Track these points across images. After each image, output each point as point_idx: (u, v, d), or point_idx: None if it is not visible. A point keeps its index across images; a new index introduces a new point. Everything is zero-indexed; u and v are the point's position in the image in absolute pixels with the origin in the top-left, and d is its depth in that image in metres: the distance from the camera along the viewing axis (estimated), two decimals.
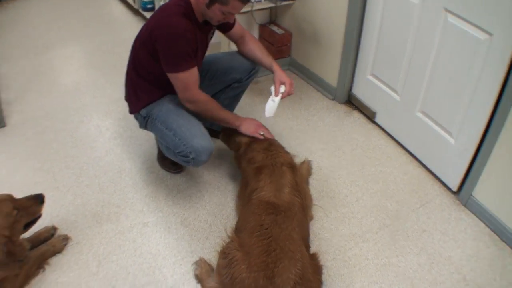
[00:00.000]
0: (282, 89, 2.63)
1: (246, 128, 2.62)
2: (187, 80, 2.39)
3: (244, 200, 2.45)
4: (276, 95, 2.63)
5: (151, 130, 2.68)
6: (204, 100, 2.49)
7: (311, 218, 2.60)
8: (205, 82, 2.75)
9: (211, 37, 2.69)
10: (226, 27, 2.69)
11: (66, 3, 5.63)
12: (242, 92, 3.06)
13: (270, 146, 2.57)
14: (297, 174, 2.50)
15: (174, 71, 2.36)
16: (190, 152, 2.42)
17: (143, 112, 2.61)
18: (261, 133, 2.62)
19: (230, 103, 3.04)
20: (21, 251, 2.18)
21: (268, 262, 1.96)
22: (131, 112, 2.72)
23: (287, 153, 2.60)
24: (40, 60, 4.28)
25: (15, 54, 4.37)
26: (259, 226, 2.12)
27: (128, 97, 2.71)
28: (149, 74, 2.54)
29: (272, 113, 2.64)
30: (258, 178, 2.41)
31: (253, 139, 2.62)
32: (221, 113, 2.58)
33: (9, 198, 2.13)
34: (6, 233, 2.04)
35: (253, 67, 2.86)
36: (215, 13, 2.36)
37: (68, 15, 5.32)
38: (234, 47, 2.96)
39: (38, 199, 2.23)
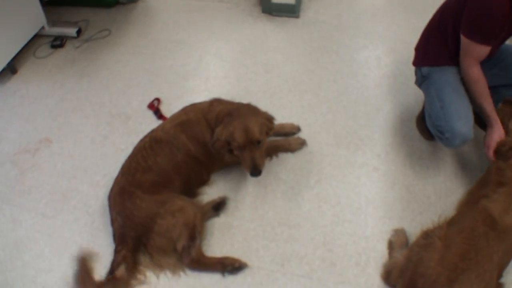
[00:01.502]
0: None
1: (498, 135, 2.36)
2: (471, 49, 2.29)
3: (472, 198, 2.35)
4: None
5: (423, 91, 2.64)
6: (472, 76, 2.35)
7: None
8: (493, 70, 2.57)
9: None
10: None
11: None
12: None
13: None
14: None
15: (468, 36, 2.26)
16: (447, 131, 2.36)
17: (425, 70, 2.57)
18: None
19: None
20: None
21: (459, 266, 1.93)
22: (414, 63, 2.69)
23: None
24: None
25: None
26: (471, 231, 2.06)
27: (418, 48, 2.67)
28: (449, 36, 2.43)
29: None
30: (496, 190, 2.27)
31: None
32: (482, 99, 2.37)
33: None
34: None
35: None
36: None
37: None
38: None
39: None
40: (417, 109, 2.96)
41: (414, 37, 2.70)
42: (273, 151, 2.60)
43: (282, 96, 2.94)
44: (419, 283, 1.97)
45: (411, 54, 2.71)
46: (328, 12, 3.71)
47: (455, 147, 2.43)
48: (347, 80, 3.13)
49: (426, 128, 2.82)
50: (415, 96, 3.02)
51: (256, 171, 2.26)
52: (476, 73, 2.34)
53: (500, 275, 2.16)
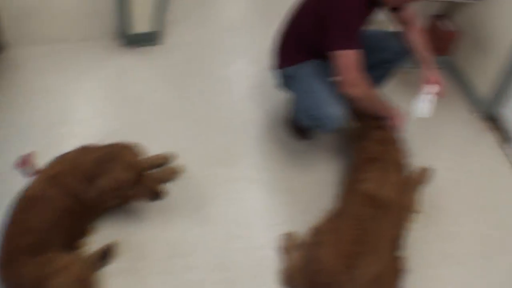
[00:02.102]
0: (435, 89, 2.55)
1: (399, 121, 2.57)
2: (354, 58, 2.29)
3: (348, 186, 2.47)
4: (427, 93, 2.56)
5: (289, 89, 2.72)
6: (367, 84, 2.38)
7: (410, 219, 2.54)
8: None
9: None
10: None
11: None
12: (388, 75, 2.94)
13: (386, 139, 2.54)
14: (404, 173, 2.48)
15: (345, 47, 2.28)
16: (322, 117, 2.44)
17: (286, 71, 2.65)
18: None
19: (375, 86, 2.96)
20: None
21: (354, 252, 2.01)
22: (274, 66, 2.74)
23: (401, 151, 2.56)
24: None
25: None
26: (356, 216, 2.15)
27: (277, 51, 2.72)
28: (304, 37, 2.53)
29: (427, 115, 2.57)
30: (366, 169, 2.41)
31: (374, 125, 2.58)
32: (380, 103, 2.51)
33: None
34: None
35: (403, 51, 2.74)
36: None
37: None
38: None
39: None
40: (285, 112, 3.06)
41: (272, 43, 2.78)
42: (152, 184, 2.58)
43: (154, 126, 2.92)
44: (320, 279, 2.03)
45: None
46: (191, 34, 3.74)
47: (334, 130, 2.51)
48: (216, 98, 3.18)
49: (297, 128, 2.92)
50: (281, 100, 3.10)
51: (157, 195, 2.28)
52: (367, 83, 2.40)
53: (398, 247, 2.26)
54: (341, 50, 2.29)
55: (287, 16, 2.65)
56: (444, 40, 3.72)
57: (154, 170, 2.60)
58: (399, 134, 2.60)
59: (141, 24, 3.45)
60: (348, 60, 2.29)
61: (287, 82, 2.68)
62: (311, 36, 2.48)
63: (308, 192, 2.67)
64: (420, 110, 2.56)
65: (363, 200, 2.24)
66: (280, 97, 3.15)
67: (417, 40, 2.67)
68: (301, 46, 2.59)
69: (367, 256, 2.01)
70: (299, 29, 2.56)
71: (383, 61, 2.80)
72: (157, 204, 2.45)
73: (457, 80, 3.74)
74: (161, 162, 2.68)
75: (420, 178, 2.78)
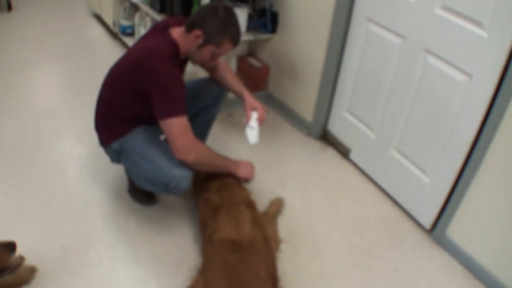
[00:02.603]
0: (255, 115, 2.62)
1: (244, 172, 2.60)
2: (184, 124, 2.29)
3: (206, 240, 2.42)
4: (248, 121, 2.62)
5: (125, 164, 2.64)
6: (203, 147, 2.43)
7: (278, 250, 2.58)
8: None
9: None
10: None
11: (45, 22, 5.58)
12: (212, 120, 3.03)
13: (224, 185, 2.56)
14: (255, 210, 2.51)
15: (172, 115, 2.26)
16: (171, 181, 2.39)
17: (115, 145, 2.56)
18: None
19: (201, 133, 3.01)
20: None
21: None
22: (101, 144, 2.66)
23: (242, 189, 2.60)
24: (15, 79, 4.20)
25: None
26: (224, 266, 2.11)
27: (98, 128, 2.65)
28: (123, 110, 2.49)
29: (256, 140, 2.60)
30: (216, 219, 2.40)
31: (206, 178, 2.62)
32: (219, 160, 2.52)
33: None
34: None
35: (220, 92, 2.84)
36: (204, 55, 2.39)
37: (47, 34, 5.26)
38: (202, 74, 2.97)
39: (8, 248, 2.10)
40: (126, 182, 2.96)
41: None
42: None
43: None
44: None
45: None
46: (3, 128, 3.47)
47: (185, 188, 2.46)
48: (48, 187, 2.96)
49: (142, 195, 2.84)
50: (121, 172, 3.00)
51: None
52: (202, 145, 2.43)
53: (276, 280, 2.25)
54: (168, 119, 2.27)
55: (101, 91, 2.61)
56: (258, 76, 3.93)
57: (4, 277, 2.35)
58: (250, 182, 2.64)
59: None
60: (176, 127, 2.28)
61: (120, 156, 2.60)
62: (132, 108, 2.46)
63: (173, 254, 2.57)
64: (250, 139, 2.61)
65: (225, 248, 2.20)
66: (116, 170, 3.07)
67: (226, 76, 2.78)
68: (123, 119, 2.53)
69: None
70: (116, 105, 2.51)
71: (204, 107, 2.87)
72: None
73: (280, 109, 3.95)
74: (13, 266, 2.42)
75: (275, 208, 2.84)
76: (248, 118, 2.63)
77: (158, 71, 2.26)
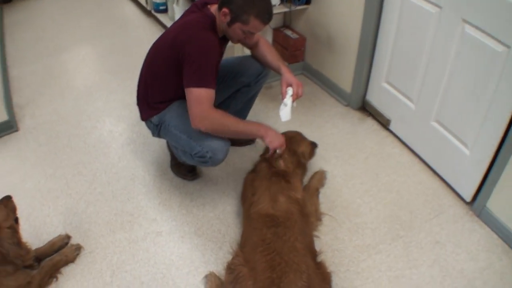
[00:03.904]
0: (290, 91, 2.58)
1: (271, 141, 2.53)
2: (203, 96, 2.30)
3: (245, 214, 2.45)
4: (283, 98, 2.59)
5: (165, 137, 2.68)
6: (218, 115, 2.37)
7: (318, 223, 2.60)
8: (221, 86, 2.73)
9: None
10: None
11: (78, 4, 5.65)
12: (254, 97, 3.04)
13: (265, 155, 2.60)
14: (292, 182, 2.50)
15: (196, 85, 2.28)
16: (207, 152, 2.42)
17: (155, 119, 2.60)
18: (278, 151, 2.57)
19: (242, 109, 3.03)
20: (26, 253, 2.20)
21: (274, 277, 1.95)
22: (142, 118, 2.71)
23: (281, 161, 2.58)
24: (52, 62, 4.30)
25: (27, 56, 4.39)
26: (261, 241, 2.12)
27: (140, 104, 2.70)
28: (163, 85, 2.53)
29: (288, 117, 2.56)
30: (253, 192, 2.43)
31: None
32: (241, 125, 2.48)
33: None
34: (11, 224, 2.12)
35: (262, 71, 2.83)
36: (236, 32, 2.38)
37: (80, 16, 5.34)
38: (247, 51, 2.94)
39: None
40: (168, 158, 3.00)
41: (134, 96, 2.71)
42: (54, 270, 2.37)
43: (37, 213, 2.70)
44: None
45: (138, 112, 2.72)
46: (44, 112, 3.56)
47: (222, 160, 2.48)
48: (91, 166, 3.03)
49: (184, 170, 2.89)
50: (161, 147, 3.05)
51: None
52: (218, 112, 2.38)
53: (314, 253, 2.27)
54: (188, 88, 2.30)
55: (143, 68, 2.64)
56: (295, 48, 3.90)
57: (53, 255, 2.42)
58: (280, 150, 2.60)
59: None
60: (198, 96, 2.29)
61: (160, 129, 2.63)
62: (171, 84, 2.48)
63: (216, 229, 2.61)
64: (282, 116, 2.57)
65: (262, 222, 2.22)
66: (157, 146, 3.11)
67: (266, 53, 2.75)
68: (163, 94, 2.57)
69: (289, 275, 1.96)
70: (157, 81, 2.54)
71: (246, 85, 2.87)
72: None
73: (318, 80, 3.93)
74: (59, 245, 2.49)
75: (317, 182, 2.83)
76: (283, 95, 2.60)
77: (192, 41, 2.29)
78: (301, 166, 2.69)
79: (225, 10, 2.30)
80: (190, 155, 2.52)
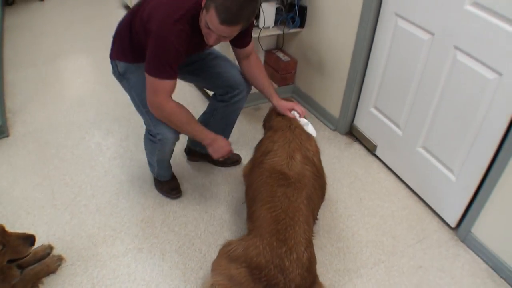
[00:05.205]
0: (296, 113, 2.60)
1: (214, 151, 2.54)
2: (159, 87, 2.27)
3: (256, 161, 2.45)
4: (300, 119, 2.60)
5: (124, 89, 2.66)
6: (171, 110, 2.34)
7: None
8: (192, 66, 2.70)
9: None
10: (238, 43, 2.57)
11: (78, 10, 5.68)
12: (233, 114, 2.96)
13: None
14: (311, 139, 2.53)
15: (152, 74, 2.25)
16: (157, 134, 2.47)
17: (121, 66, 2.56)
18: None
19: (225, 128, 2.98)
20: (9, 277, 2.20)
21: (279, 229, 2.03)
22: (110, 55, 2.62)
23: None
24: (47, 69, 4.31)
25: (23, 61, 4.41)
26: (270, 198, 2.17)
27: (115, 40, 2.61)
28: (137, 40, 2.43)
29: (315, 131, 2.61)
30: (273, 139, 2.44)
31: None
32: (191, 127, 2.46)
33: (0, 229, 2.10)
34: None
35: (247, 88, 2.81)
36: (201, 21, 2.23)
37: (80, 22, 5.37)
38: None
39: (28, 241, 2.14)
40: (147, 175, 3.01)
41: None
42: (35, 279, 2.37)
43: (22, 221, 2.69)
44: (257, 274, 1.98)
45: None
46: (36, 119, 3.57)
47: (170, 147, 2.54)
48: (77, 178, 3.04)
49: (167, 188, 2.95)
50: (146, 165, 3.01)
51: None
52: (171, 106, 2.34)
53: (315, 218, 2.40)
54: (151, 77, 2.26)
55: (141, 5, 2.45)
56: (285, 71, 3.93)
57: (35, 265, 2.42)
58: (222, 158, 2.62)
59: None
60: (154, 86, 2.28)
61: (122, 81, 2.62)
62: (141, 42, 2.38)
63: (197, 247, 2.63)
64: (312, 131, 2.59)
65: (274, 179, 2.25)
66: (143, 162, 3.09)
67: (258, 76, 2.71)
68: (135, 47, 2.47)
69: (293, 228, 2.05)
70: (133, 33, 2.45)
71: (222, 92, 2.82)
72: None
73: (307, 103, 3.96)
74: (41, 255, 2.49)
75: None
76: (297, 117, 2.61)
77: (163, 27, 2.19)
78: None
79: None
80: (145, 127, 2.59)
